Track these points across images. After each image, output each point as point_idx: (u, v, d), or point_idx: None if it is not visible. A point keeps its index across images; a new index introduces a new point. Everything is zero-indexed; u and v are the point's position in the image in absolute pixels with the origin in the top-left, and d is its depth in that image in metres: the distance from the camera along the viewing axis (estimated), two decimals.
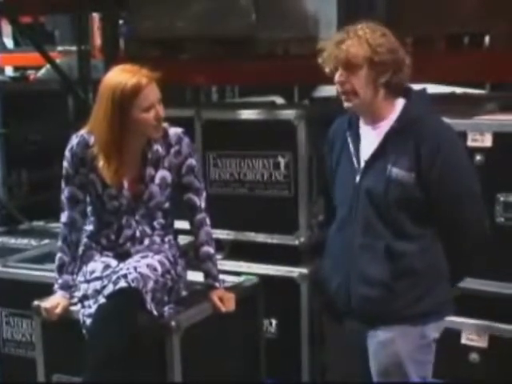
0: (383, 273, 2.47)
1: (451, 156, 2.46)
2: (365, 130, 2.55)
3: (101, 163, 2.80)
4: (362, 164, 2.52)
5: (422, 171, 2.43)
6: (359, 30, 2.45)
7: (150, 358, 2.76)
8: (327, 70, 2.50)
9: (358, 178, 2.52)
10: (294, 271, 3.63)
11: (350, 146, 2.56)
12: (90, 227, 2.95)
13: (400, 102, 2.51)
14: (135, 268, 2.75)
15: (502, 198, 3.06)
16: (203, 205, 2.96)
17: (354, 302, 2.53)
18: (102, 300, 2.71)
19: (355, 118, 2.57)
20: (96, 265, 2.85)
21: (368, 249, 2.49)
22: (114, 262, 2.85)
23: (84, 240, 2.95)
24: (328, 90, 4.25)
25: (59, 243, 2.95)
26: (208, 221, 2.97)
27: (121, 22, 5.88)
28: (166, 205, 2.95)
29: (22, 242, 4.18)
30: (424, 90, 2.60)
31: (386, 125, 2.49)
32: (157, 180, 2.88)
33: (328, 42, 2.50)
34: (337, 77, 2.48)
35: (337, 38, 2.47)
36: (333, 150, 2.66)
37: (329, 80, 2.55)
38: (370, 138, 2.53)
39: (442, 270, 2.54)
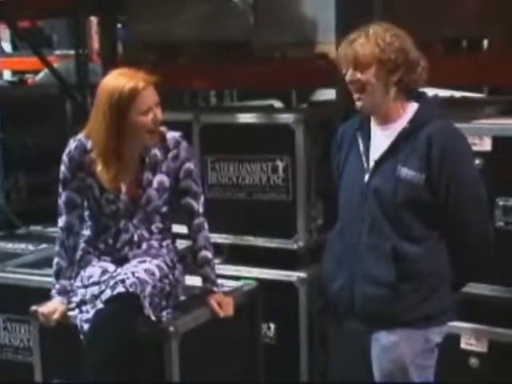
0: (388, 273, 2.47)
1: (458, 158, 2.47)
2: (375, 130, 2.56)
3: (99, 168, 2.79)
4: (372, 164, 2.53)
5: (432, 172, 2.44)
6: (371, 29, 2.48)
7: (148, 362, 2.74)
8: (343, 72, 2.52)
9: (366, 178, 2.52)
10: (293, 275, 3.63)
11: (360, 145, 2.57)
12: (87, 232, 2.94)
13: (413, 106, 2.52)
14: (133, 273, 2.74)
15: (501, 203, 3.05)
16: (201, 209, 2.95)
17: (358, 302, 2.52)
18: (99, 305, 2.70)
19: (366, 118, 2.59)
20: (94, 270, 2.84)
21: (374, 249, 2.50)
22: (111, 267, 2.84)
23: (81, 245, 2.94)
24: (326, 94, 4.25)
25: (56, 248, 2.94)
26: (206, 225, 2.96)
27: (119, 25, 5.89)
28: (164, 209, 2.94)
29: (20, 246, 4.17)
30: (436, 94, 2.62)
31: (397, 126, 2.50)
32: (154, 184, 2.88)
33: (343, 42, 2.53)
34: (348, 76, 2.50)
35: (349, 38, 2.50)
36: (340, 150, 2.67)
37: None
38: (380, 139, 2.54)
39: (446, 274, 2.54)
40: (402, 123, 2.50)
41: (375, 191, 2.50)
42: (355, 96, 2.51)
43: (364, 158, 2.55)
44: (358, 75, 2.47)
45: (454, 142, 2.48)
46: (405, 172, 2.45)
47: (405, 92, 2.50)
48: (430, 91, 3.31)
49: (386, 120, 2.53)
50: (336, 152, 2.70)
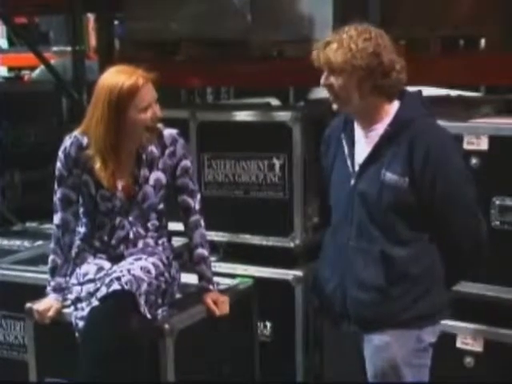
0: (378, 277, 2.46)
1: (442, 157, 2.43)
2: (359, 132, 2.53)
3: (97, 165, 2.77)
4: (357, 168, 2.50)
5: (415, 175, 2.41)
6: (344, 33, 2.42)
7: (143, 360, 2.73)
8: (320, 68, 2.48)
9: (352, 182, 2.50)
10: (289, 274, 3.62)
11: (345, 148, 2.54)
12: (82, 229, 2.93)
13: (394, 105, 2.48)
14: (129, 270, 2.73)
15: (497, 202, 3.04)
16: (198, 207, 2.95)
17: (350, 306, 2.51)
18: (95, 302, 2.69)
19: (350, 119, 2.55)
20: (89, 267, 2.83)
21: (363, 253, 2.48)
22: (107, 265, 2.83)
23: (77, 242, 2.93)
24: (323, 92, 4.23)
25: (52, 245, 2.93)
26: (202, 223, 2.95)
27: (116, 22, 5.87)
28: (160, 206, 2.93)
29: (15, 243, 4.16)
30: (419, 92, 2.58)
31: (380, 128, 2.47)
32: (151, 181, 2.87)
33: (319, 42, 2.48)
34: (322, 80, 2.47)
35: (324, 41, 2.45)
36: (328, 151, 2.64)
37: None
38: (364, 142, 2.51)
39: (438, 274, 2.52)
40: (383, 125, 2.46)
41: (361, 195, 2.47)
42: (330, 98, 2.48)
43: (349, 162, 2.52)
44: (332, 80, 2.44)
45: (437, 141, 2.44)
46: (389, 176, 2.42)
47: (383, 95, 2.45)
48: (427, 90, 3.31)
49: (368, 122, 2.49)
50: (324, 153, 2.67)
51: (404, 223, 2.45)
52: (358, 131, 2.53)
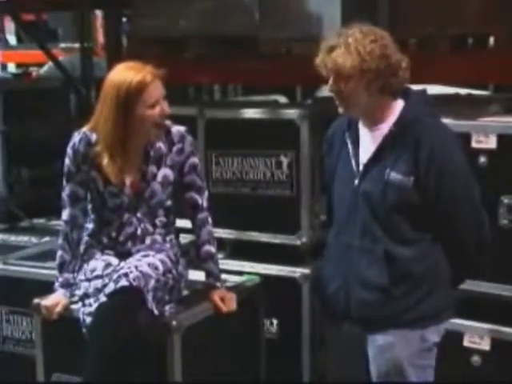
0: (382, 277, 2.45)
1: (447, 156, 2.42)
2: (364, 132, 2.52)
3: (105, 161, 2.78)
4: (361, 167, 2.49)
5: (419, 175, 2.40)
6: (349, 36, 2.39)
7: (150, 357, 2.74)
8: (324, 73, 2.47)
9: (356, 181, 2.49)
10: (296, 271, 3.62)
11: (349, 148, 2.53)
12: (90, 225, 2.94)
13: (399, 104, 2.47)
14: (136, 267, 2.73)
15: (505, 201, 3.04)
16: (205, 204, 2.95)
17: (353, 306, 2.50)
18: (102, 299, 2.69)
19: (354, 119, 2.54)
20: (97, 263, 2.84)
21: (366, 252, 2.47)
22: (115, 261, 2.83)
23: (85, 238, 2.93)
24: None
25: (60, 241, 2.94)
26: (210, 220, 2.96)
27: (124, 19, 5.89)
28: (168, 203, 2.93)
29: (23, 239, 4.17)
30: (423, 90, 2.57)
31: (384, 127, 2.46)
32: (159, 178, 2.87)
33: (322, 45, 2.45)
34: (329, 86, 2.45)
35: (328, 44, 2.43)
36: (332, 151, 2.63)
37: None
38: (368, 141, 2.50)
39: (442, 274, 2.51)
40: (388, 124, 2.45)
41: (365, 195, 2.46)
42: (337, 103, 2.46)
43: (353, 162, 2.51)
44: (340, 86, 2.41)
45: (441, 141, 2.43)
46: (393, 176, 2.41)
47: (390, 93, 2.44)
48: (435, 88, 3.30)
49: (373, 122, 2.48)
50: (327, 153, 2.66)
51: (408, 223, 2.44)
52: (363, 131, 2.52)
